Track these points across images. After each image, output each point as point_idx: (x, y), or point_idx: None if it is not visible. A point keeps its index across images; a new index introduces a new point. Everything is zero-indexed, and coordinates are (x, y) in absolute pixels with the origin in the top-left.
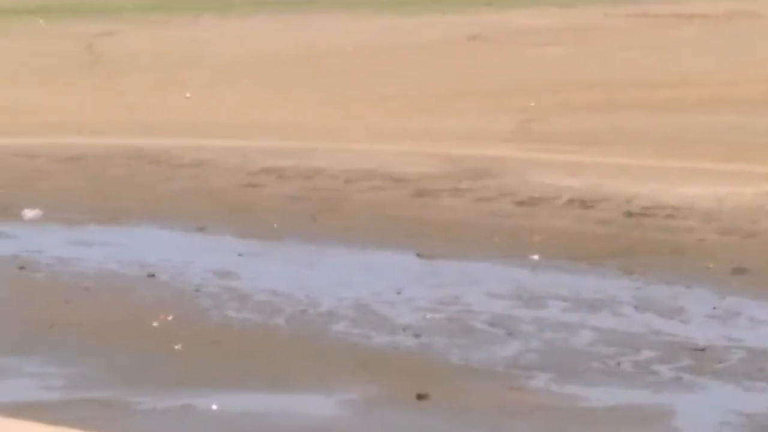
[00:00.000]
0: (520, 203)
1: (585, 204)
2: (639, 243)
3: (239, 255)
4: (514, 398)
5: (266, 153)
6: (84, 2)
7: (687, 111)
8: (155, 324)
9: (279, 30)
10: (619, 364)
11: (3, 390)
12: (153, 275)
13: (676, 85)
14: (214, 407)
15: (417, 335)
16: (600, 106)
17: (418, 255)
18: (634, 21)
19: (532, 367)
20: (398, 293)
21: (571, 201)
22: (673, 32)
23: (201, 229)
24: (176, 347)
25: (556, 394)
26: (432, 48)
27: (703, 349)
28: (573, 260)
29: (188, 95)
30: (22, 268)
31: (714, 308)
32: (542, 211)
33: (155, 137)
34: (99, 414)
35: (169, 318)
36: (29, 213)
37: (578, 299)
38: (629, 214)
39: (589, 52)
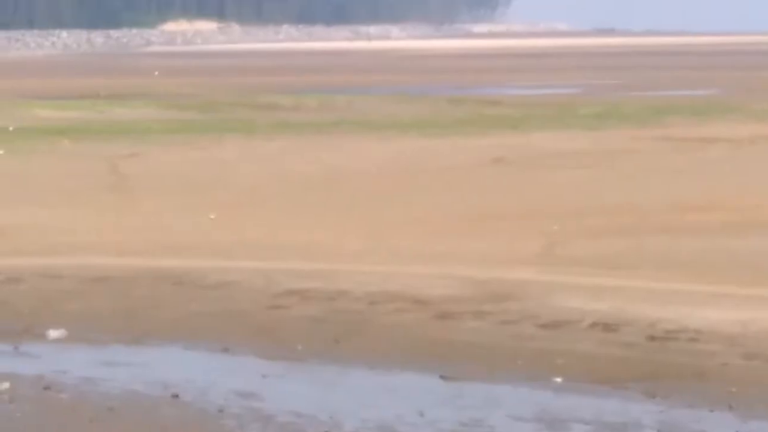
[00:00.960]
0: (543, 326)
1: (608, 327)
2: (662, 366)
3: (263, 376)
4: None
5: (290, 274)
6: (110, 124)
7: (712, 235)
8: None
9: (304, 151)
10: None
11: None
12: (177, 395)
13: (702, 209)
14: None
15: None
16: (625, 229)
17: (442, 377)
18: (660, 144)
19: None
20: (421, 415)
21: (594, 324)
22: (699, 155)
23: (225, 350)
24: None
25: None
26: (456, 170)
27: None
28: (596, 383)
29: (213, 216)
30: (46, 388)
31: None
32: (565, 334)
33: (180, 258)
34: None
35: None
36: (54, 333)
37: (601, 422)
38: (652, 338)
39: (615, 175)
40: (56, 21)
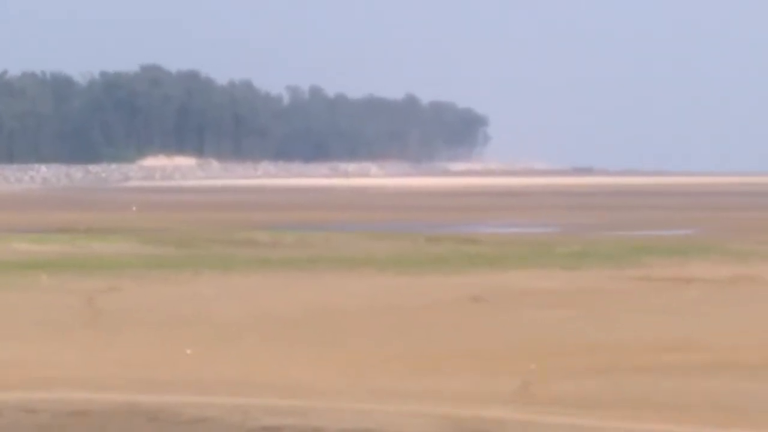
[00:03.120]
0: None
1: None
2: None
3: None
4: None
5: (267, 411)
6: (88, 258)
7: (689, 375)
8: None
9: (281, 288)
10: None
11: None
12: None
13: (679, 349)
14: None
15: None
16: (602, 369)
17: None
18: (638, 284)
19: None
20: None
21: None
22: (677, 295)
23: None
24: None
25: None
26: (434, 308)
27: None
28: None
29: (189, 351)
30: None
31: None
32: None
33: (156, 393)
34: None
35: None
36: None
37: None
38: None
39: (593, 314)
40: (36, 155)
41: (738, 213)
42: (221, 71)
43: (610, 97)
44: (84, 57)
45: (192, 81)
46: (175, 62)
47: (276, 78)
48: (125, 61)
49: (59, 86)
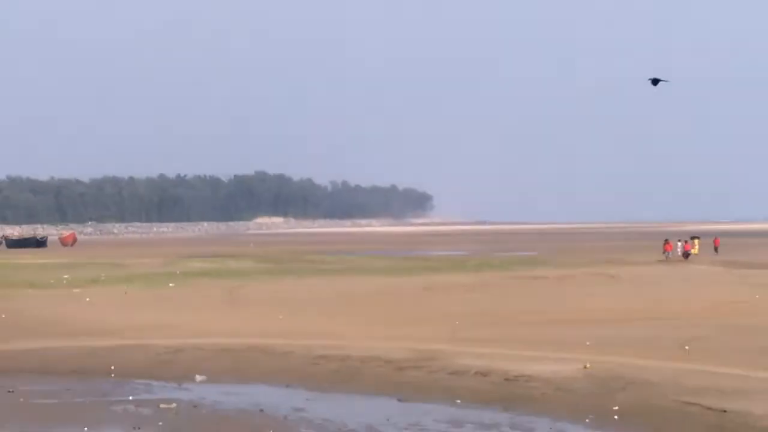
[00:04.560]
0: (451, 373)
1: (483, 374)
2: (512, 394)
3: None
4: None
5: (320, 347)
6: (228, 270)
7: (541, 325)
8: None
9: (326, 283)
10: None
11: None
12: (263, 410)
13: (536, 313)
14: None
15: None
16: (495, 323)
17: (399, 399)
18: (512, 279)
19: None
20: (387, 419)
21: (477, 372)
22: (532, 285)
23: (320, 390)
24: None
25: None
26: (406, 293)
27: None
28: (478, 402)
29: (281, 317)
30: (194, 406)
31: None
32: (462, 378)
33: (263, 338)
34: None
35: None
36: (199, 378)
37: (480, 423)
38: (507, 379)
39: (488, 295)
40: (201, 217)
41: (565, 244)
42: (295, 170)
43: (507, 176)
44: (221, 164)
45: (281, 179)
46: (271, 166)
47: (324, 174)
48: (247, 166)
49: (213, 183)
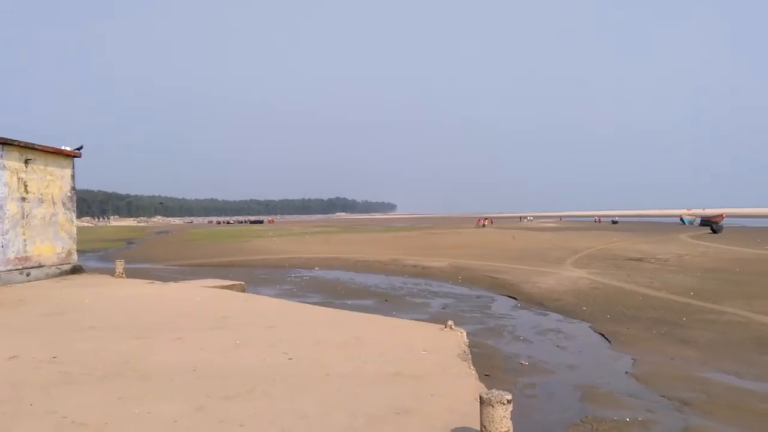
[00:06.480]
0: (420, 268)
1: (456, 269)
2: (466, 276)
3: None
4: None
5: (357, 260)
6: (326, 231)
7: (435, 249)
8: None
9: (358, 235)
10: None
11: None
12: (338, 278)
13: (433, 246)
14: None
15: None
16: (418, 249)
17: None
18: (425, 234)
19: None
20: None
21: (439, 268)
22: (431, 236)
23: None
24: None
25: None
26: (387, 240)
27: None
28: (443, 281)
29: (344, 247)
30: (312, 278)
31: None
32: (427, 271)
33: (337, 255)
34: None
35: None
36: (317, 269)
37: (453, 294)
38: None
39: (415, 240)
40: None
41: (449, 221)
42: (346, 193)
43: (442, 182)
44: (307, 189)
45: (339, 200)
46: (326, 193)
47: (353, 192)
48: (319, 191)
49: (305, 204)
